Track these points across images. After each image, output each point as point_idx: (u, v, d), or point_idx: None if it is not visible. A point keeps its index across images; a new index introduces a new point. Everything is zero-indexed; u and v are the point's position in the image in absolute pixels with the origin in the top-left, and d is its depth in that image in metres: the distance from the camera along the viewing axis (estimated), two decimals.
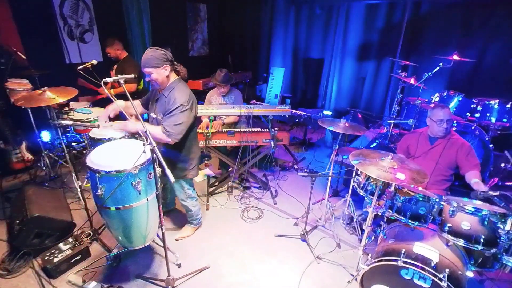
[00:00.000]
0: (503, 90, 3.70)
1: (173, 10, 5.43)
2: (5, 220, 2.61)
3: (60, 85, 2.56)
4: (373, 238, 2.27)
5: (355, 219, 2.65)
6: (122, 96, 3.04)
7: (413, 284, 1.65)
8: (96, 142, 2.17)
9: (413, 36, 4.47)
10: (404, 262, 1.61)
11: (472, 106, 3.32)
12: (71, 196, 2.97)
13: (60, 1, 3.83)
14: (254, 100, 3.17)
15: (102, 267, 2.20)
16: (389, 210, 1.82)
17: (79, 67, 3.09)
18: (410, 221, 1.75)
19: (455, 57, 3.33)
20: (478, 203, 1.70)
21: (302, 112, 4.67)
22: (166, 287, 1.99)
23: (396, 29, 4.57)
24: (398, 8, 4.52)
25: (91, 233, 2.45)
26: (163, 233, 1.82)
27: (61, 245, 2.22)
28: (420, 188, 1.93)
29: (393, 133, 3.77)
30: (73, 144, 3.48)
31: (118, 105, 1.91)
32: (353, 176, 2.16)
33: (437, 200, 1.72)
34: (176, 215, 2.87)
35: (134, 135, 2.20)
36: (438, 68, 3.37)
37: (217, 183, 3.36)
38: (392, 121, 3.66)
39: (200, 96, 5.04)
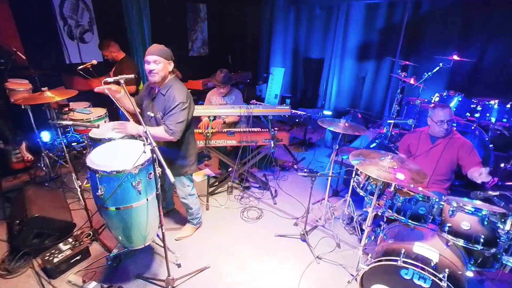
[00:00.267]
0: (503, 90, 3.71)
1: (173, 10, 5.43)
2: (5, 220, 2.61)
3: (60, 85, 2.56)
4: (373, 238, 2.27)
5: (355, 219, 2.65)
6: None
7: (413, 284, 1.65)
8: (96, 142, 2.17)
9: (413, 36, 4.47)
10: (404, 262, 1.61)
11: (472, 106, 3.32)
12: (71, 196, 2.97)
13: (60, 1, 3.83)
14: (254, 100, 3.17)
15: (102, 267, 2.20)
16: (389, 210, 1.82)
17: (79, 67, 3.10)
18: (410, 221, 1.75)
19: (455, 57, 3.33)
20: (478, 203, 1.71)
21: (302, 112, 4.67)
22: (166, 287, 1.99)
23: (396, 29, 4.57)
24: (398, 8, 4.52)
25: (91, 233, 2.45)
26: (163, 233, 1.82)
27: (61, 245, 2.22)
28: (420, 188, 1.93)
29: (393, 133, 3.78)
30: (73, 144, 3.49)
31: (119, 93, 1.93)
32: (353, 176, 2.16)
33: (437, 200, 1.72)
34: (176, 215, 2.87)
35: (134, 135, 2.20)
36: (438, 68, 3.37)
37: (217, 183, 3.36)
38: (392, 121, 3.66)
39: (200, 96, 5.06)
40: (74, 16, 4.02)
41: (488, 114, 3.20)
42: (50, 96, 2.35)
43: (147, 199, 1.81)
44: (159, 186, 1.72)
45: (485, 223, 1.55)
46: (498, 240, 1.54)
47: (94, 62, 3.27)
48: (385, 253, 1.76)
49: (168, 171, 1.50)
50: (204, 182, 3.45)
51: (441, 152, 2.26)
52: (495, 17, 3.75)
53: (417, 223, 1.73)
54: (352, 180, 2.29)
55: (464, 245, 1.60)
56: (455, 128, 2.86)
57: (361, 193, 1.98)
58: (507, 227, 1.51)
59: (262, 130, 3.06)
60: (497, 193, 1.64)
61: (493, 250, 1.55)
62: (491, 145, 2.92)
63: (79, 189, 2.39)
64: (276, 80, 5.87)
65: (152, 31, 4.90)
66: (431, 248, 1.71)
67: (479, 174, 1.93)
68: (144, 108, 2.17)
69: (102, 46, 3.34)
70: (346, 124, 2.52)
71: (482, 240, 1.55)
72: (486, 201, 1.74)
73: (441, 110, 2.23)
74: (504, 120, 3.13)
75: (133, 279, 2.12)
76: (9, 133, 3.11)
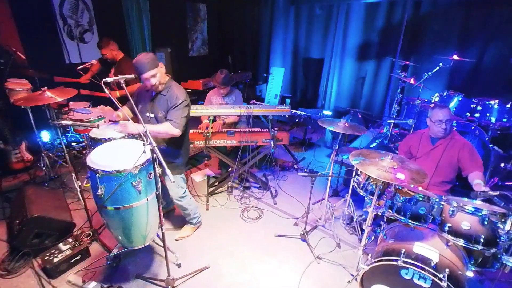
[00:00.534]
0: (503, 90, 3.70)
1: (173, 10, 5.43)
2: (5, 220, 2.61)
3: (59, 85, 2.55)
4: (373, 238, 2.27)
5: (355, 219, 2.65)
6: (125, 98, 3.01)
7: (413, 284, 1.65)
8: (96, 142, 2.16)
9: (413, 36, 4.47)
10: (404, 262, 1.61)
11: (472, 106, 3.31)
12: (71, 196, 2.97)
13: (60, 1, 3.83)
14: (254, 100, 3.17)
15: (102, 267, 2.20)
16: (389, 210, 1.82)
17: (79, 67, 3.10)
18: (410, 221, 1.75)
19: (455, 57, 3.33)
20: (478, 203, 1.70)
21: (302, 112, 4.68)
22: (166, 287, 1.99)
23: (396, 29, 4.57)
24: (398, 8, 4.52)
25: (91, 233, 2.44)
26: (163, 233, 1.82)
27: (61, 245, 2.22)
28: (420, 188, 1.93)
29: (393, 133, 3.78)
30: (72, 144, 3.49)
31: (124, 114, 1.97)
32: (353, 176, 2.16)
33: (437, 200, 1.72)
34: (175, 215, 2.87)
35: (134, 135, 2.20)
36: (438, 68, 3.37)
37: (217, 183, 3.35)
38: (392, 121, 3.66)
39: (200, 96, 5.05)
40: (74, 16, 4.02)
41: (488, 114, 3.20)
42: (50, 96, 2.35)
43: (147, 199, 1.81)
44: (159, 186, 1.72)
45: (485, 223, 1.55)
46: (498, 240, 1.54)
47: (94, 62, 3.27)
48: (385, 253, 1.76)
49: (168, 171, 1.50)
50: (204, 182, 3.45)
51: (442, 153, 2.25)
52: (495, 17, 3.75)
53: (417, 223, 1.73)
54: (352, 180, 2.29)
55: (464, 245, 1.60)
56: (455, 129, 2.86)
57: (361, 193, 1.98)
58: (507, 227, 1.51)
59: (262, 130, 3.06)
60: (497, 193, 1.64)
61: (493, 250, 1.55)
62: (491, 145, 2.92)
63: (79, 189, 2.39)
64: (276, 80, 5.87)
65: (152, 31, 4.91)
66: (431, 248, 1.70)
67: (479, 189, 1.92)
68: (141, 110, 2.18)
69: (102, 43, 3.23)
70: (346, 124, 2.52)
71: (482, 240, 1.55)
72: (486, 201, 1.74)
73: (439, 110, 2.22)
74: (504, 120, 3.13)
75: (133, 279, 2.12)
76: (8, 133, 3.11)
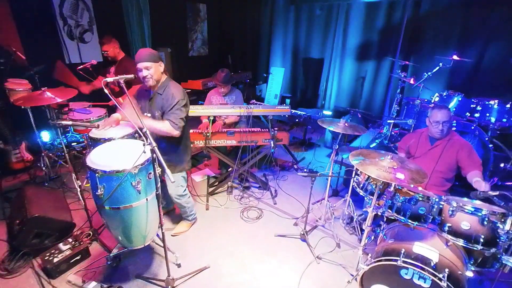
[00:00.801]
0: (503, 90, 3.70)
1: (173, 10, 5.43)
2: (5, 220, 2.61)
3: (59, 85, 2.55)
4: (372, 238, 2.27)
5: (355, 219, 2.65)
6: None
7: (412, 284, 1.65)
8: (96, 142, 2.17)
9: (413, 36, 4.47)
10: (404, 262, 1.61)
11: (471, 106, 3.32)
12: (71, 196, 2.97)
13: (60, 1, 3.83)
14: (254, 100, 3.17)
15: (102, 267, 2.20)
16: (389, 210, 1.82)
17: (79, 67, 3.10)
18: (409, 221, 1.75)
19: (455, 57, 3.33)
20: (478, 203, 1.71)
21: (301, 112, 4.68)
22: (166, 287, 1.99)
23: (396, 29, 4.57)
24: (398, 8, 4.52)
25: (91, 233, 2.45)
26: (163, 233, 1.82)
27: (60, 245, 2.22)
28: (420, 188, 1.93)
29: (392, 133, 3.78)
30: (72, 144, 3.48)
31: (123, 115, 1.95)
32: (353, 176, 2.16)
33: (437, 200, 1.72)
34: (175, 215, 2.87)
35: (134, 135, 2.21)
36: (437, 68, 3.38)
37: (217, 183, 3.36)
38: (392, 121, 3.67)
39: (200, 96, 5.05)
40: (74, 16, 4.02)
41: (488, 114, 3.20)
42: (50, 96, 2.35)
43: (146, 199, 1.80)
44: (159, 186, 1.72)
45: (485, 223, 1.55)
46: (498, 240, 1.54)
47: (94, 62, 3.27)
48: (385, 253, 1.76)
49: (168, 171, 1.50)
50: (204, 182, 3.45)
51: (440, 153, 2.26)
52: (494, 17, 3.75)
53: (417, 223, 1.73)
54: (352, 180, 2.29)
55: (464, 245, 1.60)
56: (454, 129, 2.86)
57: (361, 193, 1.98)
58: (507, 227, 1.51)
59: (262, 130, 3.06)
60: (497, 193, 1.64)
61: (493, 250, 1.55)
62: (491, 145, 2.92)
63: (79, 189, 2.39)
64: (276, 80, 5.87)
65: (152, 31, 4.90)
66: (431, 248, 1.71)
67: (479, 187, 1.92)
68: (140, 109, 2.19)
69: (104, 40, 3.18)
70: (346, 124, 2.52)
71: (482, 240, 1.56)
72: (486, 201, 1.74)
73: (438, 111, 2.22)
74: (504, 120, 3.13)
75: (133, 279, 2.12)
76: (8, 133, 3.11)
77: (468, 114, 3.32)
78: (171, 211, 2.90)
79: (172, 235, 2.55)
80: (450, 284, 1.50)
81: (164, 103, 2.06)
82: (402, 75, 3.79)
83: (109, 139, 2.13)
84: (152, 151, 1.56)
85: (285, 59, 6.12)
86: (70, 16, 3.97)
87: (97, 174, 1.67)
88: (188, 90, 5.27)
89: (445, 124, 2.21)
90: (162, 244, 1.90)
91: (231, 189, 3.28)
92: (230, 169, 3.25)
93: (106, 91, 1.61)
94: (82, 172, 3.28)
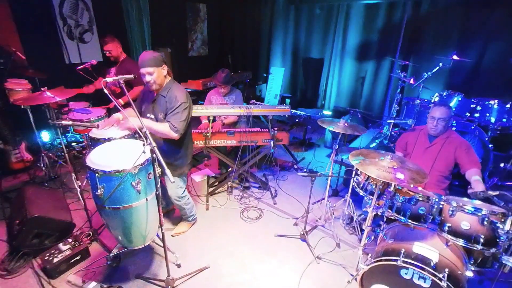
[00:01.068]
0: (502, 90, 3.70)
1: (173, 10, 5.43)
2: (4, 220, 2.61)
3: (59, 85, 2.55)
4: (372, 238, 2.27)
5: (354, 219, 2.65)
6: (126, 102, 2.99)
7: (412, 283, 1.65)
8: (95, 142, 2.17)
9: (412, 36, 4.47)
10: (404, 262, 1.61)
11: (471, 106, 3.32)
12: (71, 196, 2.97)
13: (60, 1, 3.83)
14: (254, 100, 3.17)
15: (102, 267, 2.20)
16: (389, 210, 1.82)
17: (79, 67, 3.10)
18: (409, 221, 1.74)
19: (455, 57, 3.33)
20: (478, 203, 1.71)
21: (301, 112, 4.68)
22: (166, 287, 1.99)
23: (396, 29, 4.57)
24: (398, 8, 4.52)
25: (91, 233, 2.44)
26: (162, 233, 1.82)
27: (60, 245, 2.22)
28: (420, 188, 1.93)
29: (392, 133, 3.78)
30: (72, 144, 3.48)
31: (124, 115, 1.94)
32: (353, 176, 2.16)
33: (437, 200, 1.72)
34: (175, 215, 2.87)
35: (134, 135, 2.21)
36: (437, 68, 3.38)
37: (216, 183, 3.35)
38: (392, 121, 3.67)
39: (200, 96, 5.06)
40: (74, 16, 4.03)
41: (487, 114, 3.20)
42: (50, 96, 2.35)
43: (146, 199, 1.81)
44: (158, 186, 1.72)
45: (485, 223, 1.55)
46: (497, 240, 1.54)
47: (94, 62, 3.27)
48: (385, 253, 1.76)
49: (168, 171, 1.50)
50: (204, 182, 3.45)
51: (438, 151, 2.26)
52: (494, 17, 3.75)
53: (417, 223, 1.73)
54: (352, 180, 2.29)
55: (464, 245, 1.60)
56: (454, 129, 2.87)
57: (361, 193, 1.98)
58: (507, 227, 1.51)
59: (262, 130, 3.06)
60: (497, 193, 1.64)
61: (493, 250, 1.55)
62: (490, 145, 2.92)
63: (78, 189, 2.39)
64: (276, 80, 5.87)
65: (152, 31, 4.91)
66: (431, 248, 1.71)
67: (475, 187, 1.93)
68: (144, 111, 2.21)
69: (107, 39, 3.13)
70: (346, 124, 2.52)
71: (482, 240, 1.55)
72: (486, 201, 1.74)
73: (437, 107, 2.24)
74: (504, 120, 3.13)
75: (133, 279, 2.12)
76: (8, 133, 3.11)
77: (468, 114, 3.33)
78: (171, 211, 2.90)
79: (172, 235, 2.55)
80: (450, 284, 1.50)
81: (168, 105, 2.05)
82: (402, 75, 3.79)
83: (109, 139, 2.13)
84: (152, 151, 1.56)
85: (285, 59, 6.13)
86: (70, 16, 3.97)
87: (97, 174, 1.67)
88: (188, 90, 5.25)
89: (440, 121, 2.22)
90: (162, 244, 1.90)
91: (231, 189, 3.28)
92: (230, 169, 3.25)
93: (106, 91, 1.61)
94: (82, 172, 3.28)
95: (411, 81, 3.62)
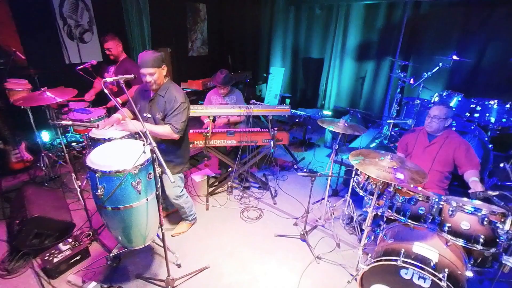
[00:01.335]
0: (502, 90, 3.71)
1: (173, 10, 5.43)
2: (4, 220, 2.61)
3: (59, 85, 2.55)
4: (372, 238, 2.27)
5: (354, 219, 2.65)
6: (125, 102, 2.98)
7: (412, 283, 1.65)
8: (95, 142, 2.17)
9: (412, 36, 4.47)
10: (404, 262, 1.61)
11: (471, 106, 3.32)
12: (71, 196, 2.96)
13: (60, 1, 3.83)
14: (254, 100, 3.17)
15: (102, 267, 2.20)
16: (389, 210, 1.82)
17: (79, 67, 3.10)
18: (409, 221, 1.75)
19: (455, 57, 3.33)
20: (478, 203, 1.71)
21: (301, 112, 4.68)
22: (166, 287, 1.99)
23: (396, 29, 4.57)
24: (397, 8, 4.52)
25: (91, 233, 2.45)
26: (162, 233, 1.82)
27: (60, 245, 2.22)
28: (420, 188, 1.94)
29: (392, 133, 3.78)
30: (72, 144, 3.48)
31: (124, 116, 1.94)
32: (353, 176, 2.16)
33: (437, 200, 1.72)
34: (175, 215, 2.86)
35: (134, 135, 2.21)
36: (437, 68, 3.38)
37: (216, 183, 3.36)
38: (392, 121, 3.67)
39: (200, 96, 5.06)
40: (74, 16, 4.02)
41: (487, 114, 3.20)
42: (50, 96, 2.35)
43: (146, 199, 1.80)
44: (159, 186, 1.72)
45: (485, 223, 1.55)
46: (497, 240, 1.54)
47: (94, 62, 3.27)
48: (385, 253, 1.76)
49: (168, 171, 1.50)
50: (204, 182, 3.45)
51: (437, 151, 2.27)
52: (494, 17, 3.75)
53: (417, 223, 1.73)
54: (352, 180, 2.29)
55: (464, 245, 1.60)
56: (454, 129, 2.87)
57: (361, 193, 1.99)
58: (507, 227, 1.51)
59: (262, 130, 3.06)
60: (496, 193, 1.64)
61: (492, 250, 1.55)
62: (490, 145, 2.92)
63: (78, 189, 2.39)
64: (276, 80, 5.87)
65: (152, 31, 4.91)
66: (430, 248, 1.71)
67: (474, 187, 1.93)
68: (140, 110, 2.20)
69: (108, 37, 3.12)
70: (346, 124, 2.52)
71: (481, 240, 1.56)
72: (486, 201, 1.74)
73: (436, 106, 2.27)
74: (504, 120, 3.13)
75: (133, 279, 2.12)
76: (8, 133, 3.11)
77: (468, 114, 3.33)
78: (171, 213, 2.88)
79: (172, 236, 2.55)
80: (450, 284, 1.50)
81: (167, 106, 2.07)
82: (402, 75, 3.79)
83: (109, 139, 2.13)
84: (152, 151, 1.56)
85: (285, 59, 6.12)
86: (70, 16, 3.97)
87: (97, 175, 1.67)
88: (188, 90, 5.27)
89: (434, 119, 2.23)
90: (162, 244, 1.90)
91: (231, 189, 3.28)
92: (230, 169, 3.25)
93: (106, 91, 1.61)
94: (82, 172, 3.28)
95: (411, 81, 3.63)
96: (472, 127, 3.01)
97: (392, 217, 1.85)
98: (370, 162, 1.80)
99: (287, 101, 5.87)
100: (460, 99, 3.35)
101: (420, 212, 1.74)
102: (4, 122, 3.10)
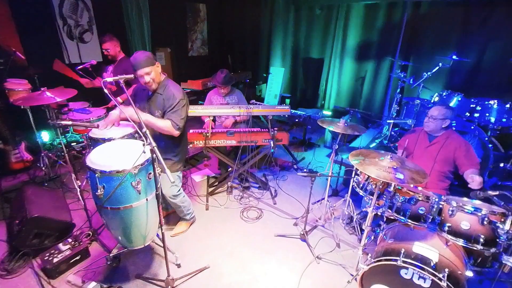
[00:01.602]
0: (502, 90, 3.71)
1: (173, 10, 5.43)
2: (4, 220, 2.61)
3: (59, 85, 2.55)
4: (372, 238, 2.27)
5: (354, 219, 2.65)
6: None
7: (412, 283, 1.65)
8: (95, 142, 2.16)
9: (412, 36, 4.47)
10: (404, 261, 1.61)
11: (471, 106, 3.32)
12: (71, 196, 2.96)
13: (60, 1, 3.83)
14: (254, 100, 3.17)
15: (102, 267, 2.20)
16: (389, 210, 1.82)
17: (78, 67, 3.10)
18: (409, 220, 1.75)
19: (454, 57, 3.33)
20: (478, 202, 1.71)
21: (301, 112, 4.68)
22: (166, 287, 1.99)
23: (396, 29, 4.57)
24: (397, 8, 4.52)
25: (91, 233, 2.44)
26: (162, 233, 1.82)
27: (60, 245, 2.22)
28: (420, 188, 1.94)
29: (392, 133, 3.78)
30: (72, 144, 3.48)
31: (122, 111, 1.94)
32: (353, 176, 2.16)
33: (436, 199, 1.72)
34: (175, 216, 2.86)
35: (133, 135, 2.20)
36: (437, 68, 3.38)
37: (216, 183, 3.35)
38: (392, 121, 3.67)
39: (200, 96, 5.06)
40: (74, 16, 4.02)
41: (487, 114, 3.20)
42: (50, 96, 2.35)
43: (146, 199, 1.80)
44: (159, 186, 1.72)
45: (485, 222, 1.55)
46: (497, 240, 1.54)
47: (94, 62, 3.27)
48: (385, 253, 1.76)
49: (168, 171, 1.50)
50: (204, 182, 3.45)
51: (438, 151, 2.27)
52: (494, 17, 3.75)
53: (417, 223, 1.73)
54: (351, 180, 2.29)
55: (464, 245, 1.60)
56: (454, 129, 2.86)
57: (361, 193, 1.99)
58: (507, 226, 1.51)
59: (262, 130, 3.06)
60: (496, 193, 1.64)
61: (492, 250, 1.55)
62: (490, 145, 2.92)
63: (78, 189, 2.39)
64: (276, 80, 5.87)
65: (152, 31, 4.91)
66: (430, 248, 1.71)
67: (472, 181, 1.94)
68: (138, 108, 2.19)
69: (106, 38, 3.13)
70: (346, 124, 2.52)
71: (481, 240, 1.56)
72: (486, 201, 1.74)
73: (436, 106, 2.28)
74: (504, 120, 3.13)
75: (132, 279, 2.12)
76: (8, 133, 3.11)
77: (467, 114, 3.33)
78: (172, 214, 2.88)
79: (171, 236, 2.55)
80: (450, 284, 1.50)
81: (166, 103, 2.08)
82: (402, 75, 3.79)
83: (109, 139, 2.13)
84: (152, 151, 1.56)
85: (285, 59, 6.12)
86: (69, 16, 3.97)
87: (97, 175, 1.67)
88: (188, 90, 5.27)
89: (431, 119, 2.24)
90: (162, 244, 1.90)
91: (231, 189, 3.28)
92: (230, 169, 3.25)
93: (105, 91, 1.61)
94: (82, 172, 3.28)
95: (411, 81, 3.63)
96: (472, 127, 3.01)
97: (392, 217, 1.85)
98: (370, 162, 1.80)
99: (287, 101, 5.87)
100: (460, 99, 3.35)
101: (420, 212, 1.74)
102: (4, 122, 3.10)
